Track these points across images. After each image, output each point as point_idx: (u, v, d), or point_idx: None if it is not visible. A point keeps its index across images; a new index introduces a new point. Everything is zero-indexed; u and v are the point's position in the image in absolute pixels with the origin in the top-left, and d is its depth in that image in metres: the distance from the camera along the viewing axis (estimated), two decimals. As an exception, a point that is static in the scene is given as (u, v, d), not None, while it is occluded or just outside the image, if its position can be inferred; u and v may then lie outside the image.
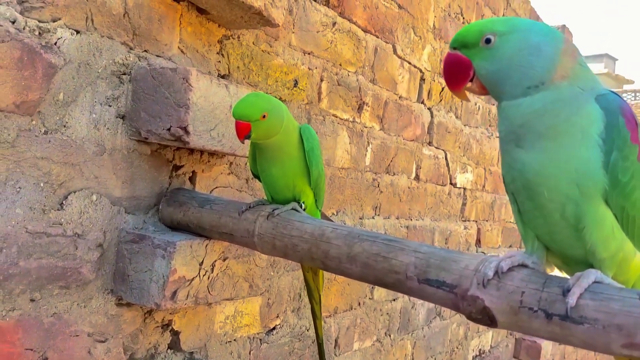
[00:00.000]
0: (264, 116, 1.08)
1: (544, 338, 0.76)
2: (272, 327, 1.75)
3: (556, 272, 0.87)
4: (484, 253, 3.39)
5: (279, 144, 1.15)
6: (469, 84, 0.83)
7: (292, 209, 1.15)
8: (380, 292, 2.35)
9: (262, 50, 1.60)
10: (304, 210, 1.20)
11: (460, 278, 0.83)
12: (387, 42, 2.22)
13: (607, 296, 0.71)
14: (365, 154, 2.15)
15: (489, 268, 0.80)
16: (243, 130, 1.08)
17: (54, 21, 1.08)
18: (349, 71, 2.00)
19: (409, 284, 0.89)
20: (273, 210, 1.14)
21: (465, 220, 3.13)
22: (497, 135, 3.15)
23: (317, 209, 1.29)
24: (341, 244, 0.99)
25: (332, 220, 1.20)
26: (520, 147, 0.78)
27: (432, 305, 2.82)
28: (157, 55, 1.29)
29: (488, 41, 0.79)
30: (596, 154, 0.74)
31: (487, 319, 0.80)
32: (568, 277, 0.82)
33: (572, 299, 0.72)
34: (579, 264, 0.82)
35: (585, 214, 0.76)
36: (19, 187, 1.04)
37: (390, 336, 2.46)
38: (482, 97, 3.20)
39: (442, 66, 0.87)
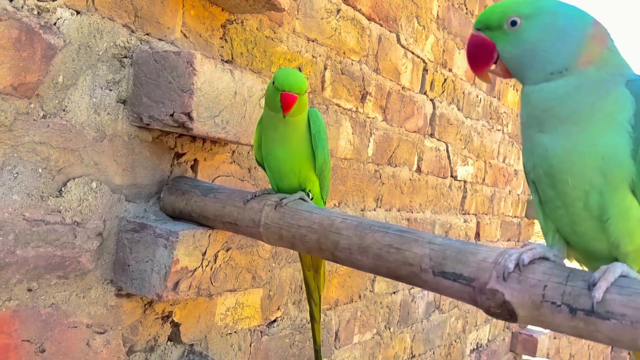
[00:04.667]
0: (306, 90, 1.08)
1: (567, 334, 0.73)
2: (273, 319, 1.72)
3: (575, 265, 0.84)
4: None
5: (291, 124, 1.11)
6: (492, 67, 0.80)
7: (300, 198, 1.12)
8: (380, 285, 2.32)
9: (266, 36, 1.56)
10: (311, 199, 1.16)
11: (478, 271, 0.80)
12: (391, 31, 2.18)
13: (635, 291, 0.68)
14: (368, 145, 2.12)
15: (510, 260, 0.77)
16: (292, 103, 1.06)
17: (53, 0, 1.03)
18: (352, 60, 1.96)
19: (424, 276, 0.86)
20: (281, 200, 1.10)
21: (465, 214, 3.11)
22: (497, 128, 3.11)
23: (322, 200, 1.25)
24: (352, 235, 0.96)
25: None
26: (543, 131, 0.75)
27: (431, 298, 2.80)
28: (160, 39, 1.25)
29: (514, 24, 0.75)
30: (624, 142, 0.71)
31: (506, 313, 0.77)
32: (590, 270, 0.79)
33: (598, 293, 0.69)
34: (601, 258, 0.78)
35: (610, 204, 0.73)
36: (17, 173, 1.00)
37: (390, 329, 2.44)
38: (483, 89, 3.17)
39: (465, 48, 0.83)
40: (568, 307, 0.71)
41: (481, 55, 0.80)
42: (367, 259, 0.93)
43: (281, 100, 1.05)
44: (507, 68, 0.79)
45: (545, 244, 0.83)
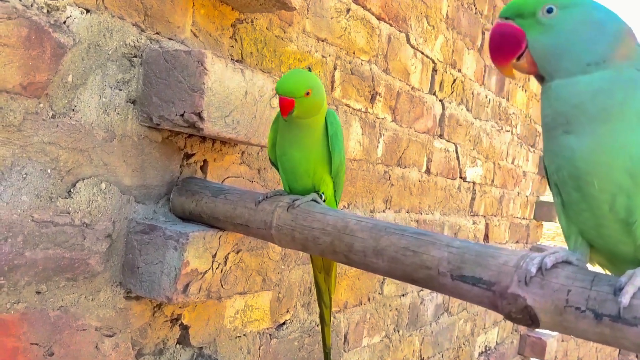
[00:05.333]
0: (307, 93, 1.05)
1: (592, 340, 0.71)
2: (282, 322, 1.70)
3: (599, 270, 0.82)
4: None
5: (307, 125, 1.09)
6: (515, 60, 0.77)
7: (312, 199, 1.10)
8: (390, 288, 2.30)
9: (276, 36, 1.54)
10: (324, 201, 1.14)
11: (498, 275, 0.78)
12: (400, 31, 2.16)
13: (664, 296, 0.66)
14: (377, 146, 2.10)
15: (532, 264, 0.74)
16: (287, 107, 1.04)
17: (63, -2, 1.02)
18: (362, 60, 1.94)
19: (442, 280, 0.83)
20: (293, 201, 1.08)
21: (474, 215, 3.08)
22: (506, 129, 3.07)
23: (336, 202, 1.23)
24: (366, 237, 0.94)
25: None
26: (570, 132, 0.72)
27: (440, 301, 2.78)
28: (169, 38, 1.23)
29: (550, 11, 0.73)
30: None
31: (528, 318, 0.74)
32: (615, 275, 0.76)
33: (625, 299, 0.66)
34: (627, 262, 0.76)
35: (638, 206, 0.70)
36: (25, 174, 0.98)
37: (399, 332, 2.42)
38: (492, 90, 3.14)
39: (489, 37, 0.80)
40: (593, 313, 0.69)
41: (509, 45, 0.76)
42: (382, 261, 0.91)
43: (279, 103, 1.05)
44: (535, 60, 0.76)
45: (567, 247, 0.81)
